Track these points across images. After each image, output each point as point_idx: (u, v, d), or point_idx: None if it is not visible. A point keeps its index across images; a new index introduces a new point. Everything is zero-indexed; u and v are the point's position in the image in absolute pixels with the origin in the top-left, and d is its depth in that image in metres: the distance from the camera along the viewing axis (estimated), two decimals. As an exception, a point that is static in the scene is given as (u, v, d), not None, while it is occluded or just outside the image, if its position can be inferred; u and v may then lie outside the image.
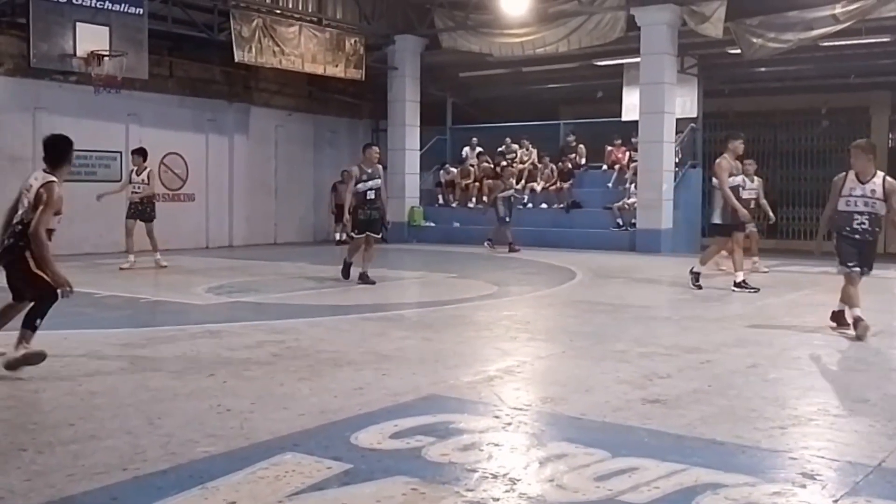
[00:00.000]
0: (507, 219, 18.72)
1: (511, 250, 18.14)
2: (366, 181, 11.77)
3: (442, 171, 23.32)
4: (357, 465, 4.12)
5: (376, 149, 12.19)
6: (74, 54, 15.59)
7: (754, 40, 17.77)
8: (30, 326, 6.04)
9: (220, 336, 7.83)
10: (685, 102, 20.16)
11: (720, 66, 20.70)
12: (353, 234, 12.11)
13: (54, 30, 15.40)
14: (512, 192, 19.08)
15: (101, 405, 5.29)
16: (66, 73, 16.31)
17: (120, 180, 16.26)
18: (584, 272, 14.15)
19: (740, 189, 11.43)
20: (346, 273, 12.18)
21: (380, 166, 12.16)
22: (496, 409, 5.29)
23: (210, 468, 4.07)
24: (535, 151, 22.28)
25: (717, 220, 11.32)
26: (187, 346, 7.36)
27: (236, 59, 18.18)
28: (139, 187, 13.83)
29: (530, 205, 21.17)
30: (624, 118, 20.71)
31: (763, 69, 20.63)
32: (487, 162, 22.80)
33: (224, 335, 7.89)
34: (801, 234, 22.55)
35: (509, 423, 4.97)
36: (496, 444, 4.54)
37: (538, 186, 21.54)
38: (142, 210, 13.89)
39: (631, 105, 20.29)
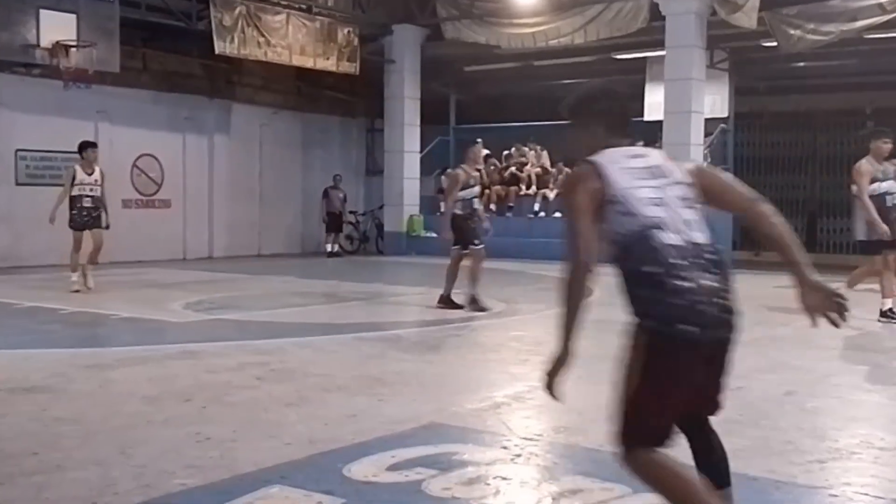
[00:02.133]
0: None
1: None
2: (472, 186, 11.44)
3: (444, 178, 23.31)
4: (350, 500, 4.14)
5: (482, 149, 11.93)
6: (38, 45, 15.54)
7: (792, 32, 17.78)
8: None
9: (198, 357, 7.88)
10: (715, 101, 20.24)
11: (754, 61, 20.77)
12: (457, 248, 11.36)
13: (15, 17, 15.39)
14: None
15: (67, 433, 5.30)
16: (28, 65, 16.31)
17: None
18: (603, 288, 14.06)
19: (886, 197, 10.33)
20: (450, 302, 11.43)
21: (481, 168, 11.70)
22: (504, 439, 5.31)
23: (188, 502, 4.07)
24: (545, 153, 22.35)
25: (861, 236, 10.60)
26: (162, 367, 7.40)
27: (217, 51, 18.21)
28: (92, 189, 12.91)
29: (542, 213, 21.28)
30: (647, 118, 20.79)
31: (802, 64, 20.65)
32: (495, 166, 22.86)
33: (203, 356, 7.93)
34: (841, 247, 22.52)
35: (518, 455, 4.99)
36: (504, 478, 4.55)
37: (551, 193, 21.58)
38: (96, 217, 13.00)
39: (654, 103, 20.34)
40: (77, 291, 12.61)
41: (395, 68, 22.23)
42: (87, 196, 12.91)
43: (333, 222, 22.37)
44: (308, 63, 20.01)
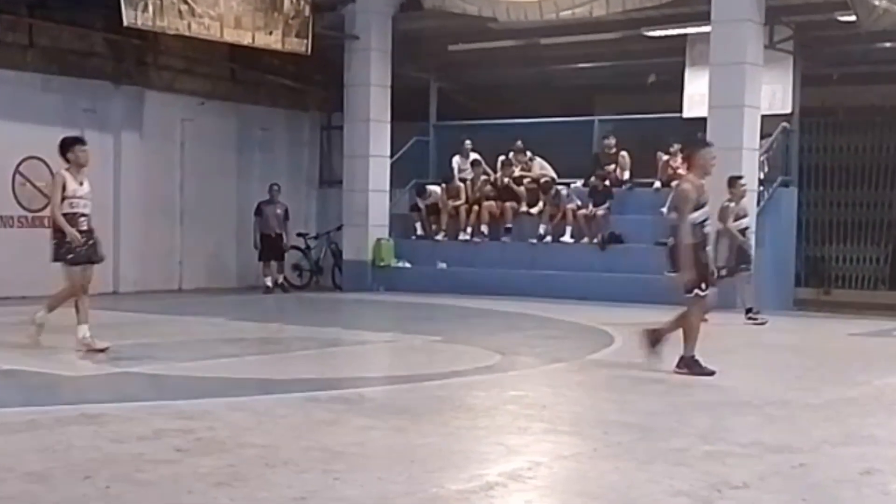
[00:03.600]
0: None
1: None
2: (703, 206, 10.96)
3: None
4: None
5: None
6: None
7: (876, 3, 17.82)
8: None
9: (101, 422, 7.85)
10: (775, 92, 20.28)
11: (826, 41, 20.86)
12: (699, 290, 10.78)
13: None
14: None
15: (-71, 520, 5.32)
16: None
17: None
18: (626, 336, 13.96)
19: None
20: (695, 365, 10.89)
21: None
22: (498, 530, 5.30)
23: None
24: (538, 163, 22.51)
25: None
26: (54, 435, 7.37)
27: (125, 23, 17.92)
28: (86, 205, 12.19)
29: (548, 238, 21.52)
30: (686, 114, 20.87)
31: (888, 44, 20.71)
32: (487, 175, 22.98)
33: (107, 421, 7.91)
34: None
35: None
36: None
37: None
38: (94, 245, 12.36)
39: (696, 95, 20.41)
40: (101, 350, 11.78)
41: (359, 47, 22.21)
42: (83, 215, 12.06)
43: (269, 248, 22.16)
44: (245, 39, 19.95)
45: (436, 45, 23.37)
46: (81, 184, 12.07)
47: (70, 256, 11.87)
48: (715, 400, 9.56)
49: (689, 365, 10.77)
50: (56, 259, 12.00)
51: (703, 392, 9.89)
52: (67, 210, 11.90)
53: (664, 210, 20.19)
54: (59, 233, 11.92)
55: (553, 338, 14.49)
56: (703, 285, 10.75)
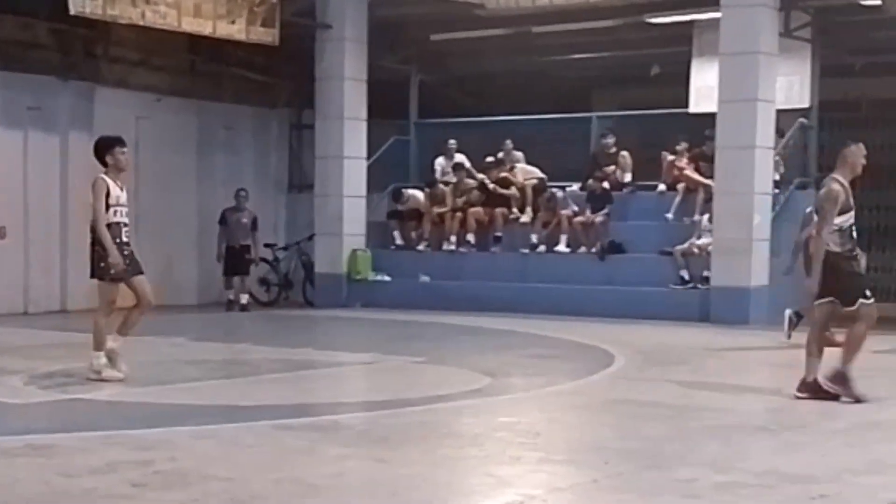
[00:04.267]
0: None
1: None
2: (850, 210, 10.82)
3: (397, 204, 23.44)
4: None
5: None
6: None
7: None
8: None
9: (49, 454, 7.85)
10: (792, 85, 20.37)
11: (848, 27, 20.89)
12: (827, 301, 10.81)
13: None
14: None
15: None
16: None
17: None
18: (629, 355, 14.28)
19: None
20: (819, 388, 10.70)
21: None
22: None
23: None
24: (520, 168, 22.49)
25: None
26: (-3, 469, 7.36)
27: (72, 11, 17.94)
28: (127, 213, 12.16)
29: (542, 248, 21.61)
30: (693, 109, 20.95)
31: None
32: (472, 178, 22.98)
33: (56, 452, 7.91)
34: None
35: None
36: None
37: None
38: (133, 256, 12.20)
39: (704, 88, 20.51)
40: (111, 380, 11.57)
41: (332, 36, 22.20)
42: (124, 224, 11.87)
43: (234, 261, 21.91)
44: (205, 29, 19.96)
45: (417, 35, 23.48)
46: (122, 188, 11.92)
47: (112, 272, 11.63)
48: (726, 424, 9.55)
49: (812, 389, 10.68)
50: (96, 276, 11.80)
51: (712, 417, 9.90)
52: (112, 219, 11.66)
53: (669, 216, 20.55)
54: (98, 245, 11.67)
55: (548, 358, 14.51)
56: (867, 292, 10.75)
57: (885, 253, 23.70)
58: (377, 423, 9.62)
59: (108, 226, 11.58)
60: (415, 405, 10.42)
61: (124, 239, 11.74)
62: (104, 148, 11.91)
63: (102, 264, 11.59)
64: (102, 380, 11.43)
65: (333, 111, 22.41)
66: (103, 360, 11.58)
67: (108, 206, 11.63)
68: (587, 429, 9.62)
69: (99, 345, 11.63)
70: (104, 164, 11.82)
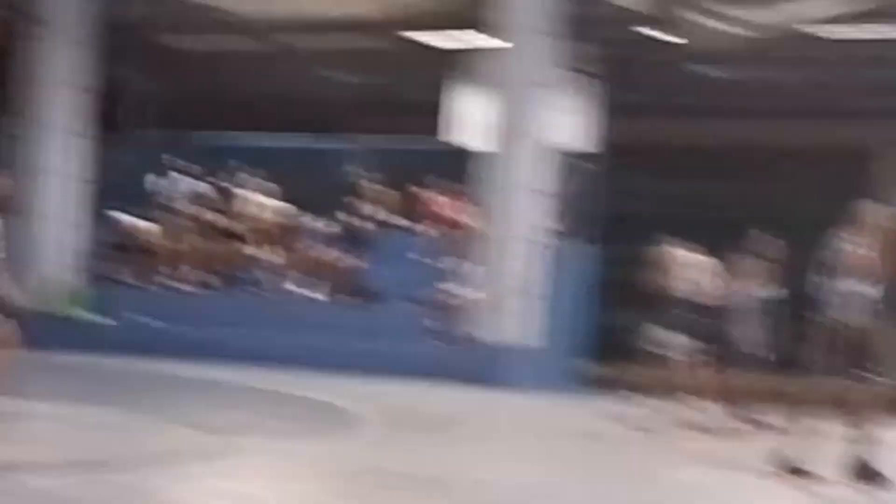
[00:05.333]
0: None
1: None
2: None
3: (116, 232, 22.97)
4: None
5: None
6: None
7: (701, 21, 18.50)
8: None
9: None
10: (576, 124, 20.85)
11: (642, 64, 21.64)
12: None
13: None
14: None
15: None
16: None
17: None
18: (376, 416, 14.09)
19: None
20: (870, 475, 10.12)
21: None
22: None
23: None
24: (258, 200, 22.05)
25: None
26: None
27: None
28: None
29: (292, 291, 21.28)
30: (456, 142, 21.47)
31: (718, 72, 21.86)
32: (205, 205, 22.70)
33: None
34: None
35: None
36: None
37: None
38: None
39: (470, 121, 20.99)
40: None
41: (47, 35, 21.58)
42: None
43: None
44: None
45: (149, 38, 23.57)
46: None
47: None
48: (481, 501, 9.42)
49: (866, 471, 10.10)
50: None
51: (462, 494, 9.53)
52: None
53: (426, 259, 20.79)
54: None
55: (287, 418, 14.19)
56: None
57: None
58: (69, 488, 8.52)
59: None
60: (119, 469, 9.49)
61: None
62: None
63: None
64: None
65: (45, 120, 21.83)
66: None
67: None
68: (320, 500, 9.26)
69: None
70: None
